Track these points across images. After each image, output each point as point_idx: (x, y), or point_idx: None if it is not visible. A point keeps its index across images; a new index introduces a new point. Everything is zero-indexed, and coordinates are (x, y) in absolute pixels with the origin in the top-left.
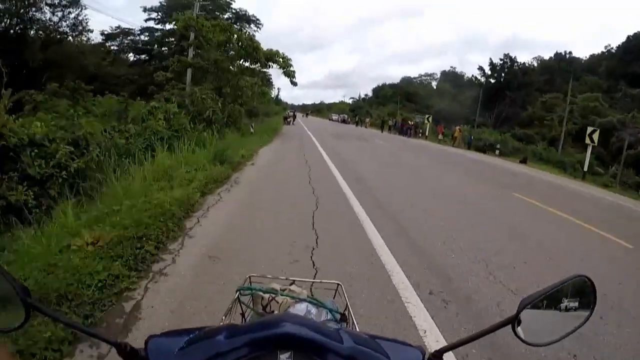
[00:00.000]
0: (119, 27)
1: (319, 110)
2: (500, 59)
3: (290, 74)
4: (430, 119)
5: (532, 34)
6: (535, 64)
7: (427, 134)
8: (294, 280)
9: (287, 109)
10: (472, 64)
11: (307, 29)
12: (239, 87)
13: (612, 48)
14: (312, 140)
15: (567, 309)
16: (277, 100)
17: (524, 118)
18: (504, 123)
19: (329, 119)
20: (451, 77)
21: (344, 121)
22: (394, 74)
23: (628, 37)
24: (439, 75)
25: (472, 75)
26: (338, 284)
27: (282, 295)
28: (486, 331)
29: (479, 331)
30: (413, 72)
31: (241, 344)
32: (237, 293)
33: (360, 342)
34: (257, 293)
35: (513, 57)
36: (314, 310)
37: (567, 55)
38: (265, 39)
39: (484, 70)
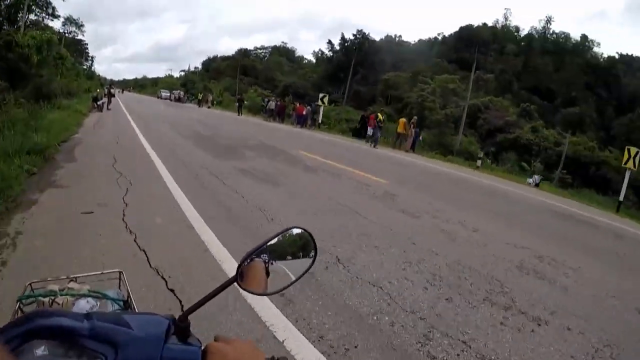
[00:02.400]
0: None
1: (142, 85)
2: (354, 35)
3: None
4: (325, 100)
5: (363, 19)
6: None
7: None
8: (74, 278)
9: (105, 85)
10: (303, 42)
11: None
12: None
13: (444, 35)
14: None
15: (292, 258)
16: (91, 74)
17: (377, 95)
18: (354, 100)
19: (158, 97)
20: (283, 53)
21: (178, 99)
22: (223, 48)
23: (460, 27)
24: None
25: (319, 49)
26: (120, 272)
27: (61, 295)
28: (217, 291)
29: (212, 291)
30: (243, 46)
31: None
32: (18, 303)
33: (103, 319)
34: (38, 299)
35: (367, 33)
36: (96, 303)
37: (397, 39)
38: (88, 2)
39: (332, 45)
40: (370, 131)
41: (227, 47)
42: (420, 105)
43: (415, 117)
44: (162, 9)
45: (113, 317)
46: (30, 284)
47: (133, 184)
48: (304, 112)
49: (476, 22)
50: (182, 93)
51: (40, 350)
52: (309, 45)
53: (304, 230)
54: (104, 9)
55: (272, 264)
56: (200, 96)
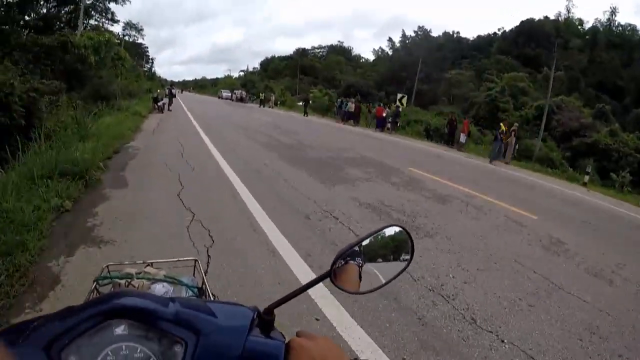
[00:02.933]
0: None
1: (202, 86)
2: (415, 31)
3: None
4: (404, 101)
5: (419, 16)
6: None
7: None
8: (150, 263)
9: (166, 85)
10: (358, 40)
11: (190, 0)
12: None
13: (504, 30)
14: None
15: (386, 259)
16: (151, 75)
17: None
18: (417, 99)
19: (219, 97)
20: (339, 52)
21: (240, 99)
22: (278, 48)
23: (521, 21)
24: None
25: (379, 47)
26: (195, 260)
27: (137, 278)
28: (308, 286)
29: (301, 287)
30: (298, 45)
31: (76, 322)
32: (95, 284)
33: (188, 306)
34: (114, 281)
35: (428, 30)
36: (171, 288)
37: (455, 35)
38: (147, 9)
39: (393, 43)
40: (463, 138)
41: (283, 47)
42: (489, 105)
43: (516, 124)
44: (218, 12)
45: (198, 304)
46: (107, 266)
47: (216, 240)
48: (384, 114)
49: (537, 15)
50: (244, 93)
51: (120, 330)
52: (364, 43)
53: (403, 229)
54: (163, 15)
55: (364, 266)
56: (262, 96)
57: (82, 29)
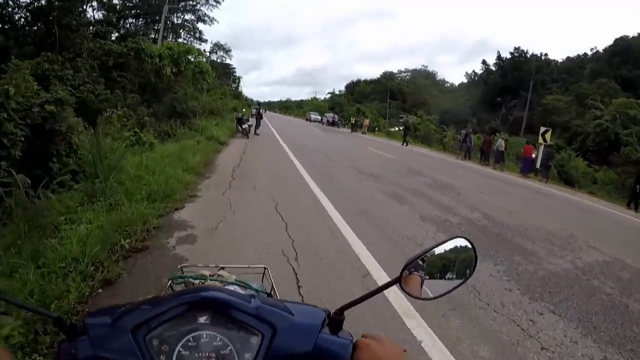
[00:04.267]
0: None
1: (287, 107)
2: (511, 53)
3: None
4: (548, 136)
5: (503, 40)
6: None
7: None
8: (222, 267)
9: (253, 105)
10: (441, 65)
11: (277, 25)
12: None
13: (597, 50)
14: None
15: (449, 269)
16: (237, 94)
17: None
18: (512, 127)
19: (307, 119)
20: (424, 76)
21: (333, 123)
22: (361, 72)
23: (615, 39)
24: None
25: (472, 71)
26: (265, 268)
27: (211, 280)
28: (377, 290)
29: (371, 290)
30: (381, 69)
31: (163, 309)
32: (169, 282)
33: (267, 303)
34: (188, 280)
35: (525, 50)
36: (241, 292)
37: (543, 57)
38: (235, 33)
39: (487, 65)
40: None
41: (366, 71)
42: (599, 136)
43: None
44: (304, 37)
45: (276, 302)
46: (181, 267)
47: None
48: (533, 155)
49: (631, 32)
50: (336, 117)
51: (203, 319)
52: (448, 68)
53: (469, 241)
54: (251, 39)
55: (426, 278)
56: (352, 120)
57: (160, 37)
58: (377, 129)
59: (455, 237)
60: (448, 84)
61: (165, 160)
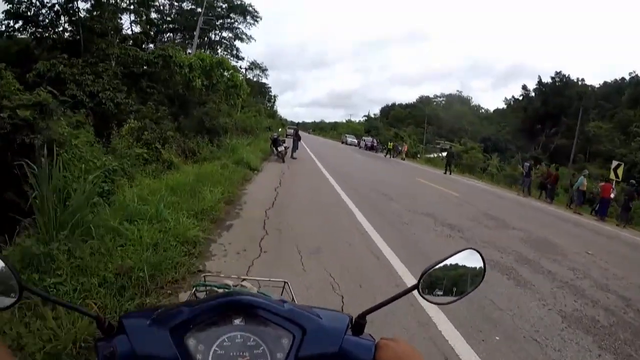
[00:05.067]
0: None
1: (321, 128)
2: (552, 77)
3: None
4: (620, 172)
5: (536, 63)
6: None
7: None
8: (244, 278)
9: (286, 125)
10: (474, 90)
11: (312, 47)
12: None
13: (636, 75)
14: None
15: (461, 276)
16: (272, 113)
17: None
18: (555, 156)
19: (342, 142)
20: (457, 101)
21: (371, 148)
22: (394, 96)
23: None
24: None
25: (512, 96)
26: (285, 282)
27: (234, 289)
28: (397, 296)
29: (392, 296)
30: (413, 94)
31: (201, 311)
32: (194, 289)
33: (297, 307)
34: (212, 289)
35: (567, 75)
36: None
37: (580, 83)
38: (270, 54)
39: (527, 91)
40: None
41: (398, 95)
42: None
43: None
44: (337, 60)
45: (305, 307)
46: (204, 276)
47: None
48: (612, 195)
49: None
50: (375, 141)
51: (238, 321)
52: (482, 93)
53: (478, 252)
54: (286, 60)
55: (440, 285)
56: (390, 145)
57: (194, 48)
58: (418, 155)
59: (466, 249)
60: (483, 110)
61: (167, 198)
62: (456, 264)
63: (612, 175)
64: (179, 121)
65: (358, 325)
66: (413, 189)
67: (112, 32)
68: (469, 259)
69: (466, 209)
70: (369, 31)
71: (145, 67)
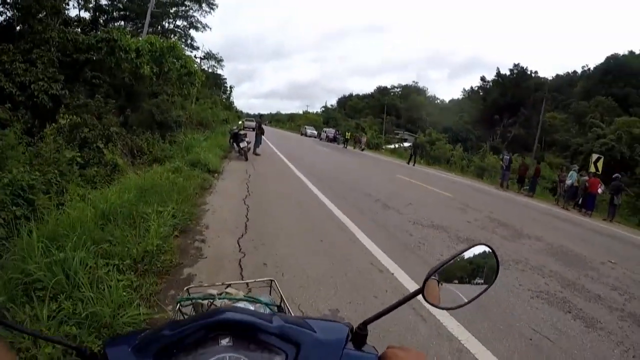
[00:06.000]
0: None
1: (278, 120)
2: (510, 69)
3: None
4: (600, 165)
5: (493, 56)
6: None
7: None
8: (229, 284)
9: (243, 117)
10: (430, 81)
11: (269, 37)
12: None
13: (589, 68)
14: None
15: (471, 278)
16: (229, 105)
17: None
18: (512, 145)
19: (302, 134)
20: (414, 92)
21: (333, 139)
22: (352, 87)
23: (607, 57)
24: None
25: (470, 87)
26: (272, 280)
27: (219, 299)
28: (400, 302)
29: (395, 302)
30: (370, 85)
31: (185, 334)
32: (178, 305)
33: (289, 321)
34: (196, 302)
35: (525, 67)
36: (251, 307)
37: (533, 75)
38: (227, 45)
39: (486, 82)
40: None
41: (357, 86)
42: (604, 155)
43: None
44: (295, 51)
45: (298, 320)
46: (187, 289)
47: None
48: (599, 191)
49: (621, 50)
50: (337, 132)
51: (225, 342)
52: (438, 84)
53: (490, 248)
54: (242, 50)
55: (447, 287)
56: (348, 135)
57: (145, 31)
58: (382, 147)
59: (476, 245)
60: (439, 100)
61: (93, 233)
62: (465, 264)
63: (592, 168)
64: (126, 115)
65: (358, 336)
66: (400, 189)
67: (51, 13)
68: (479, 256)
69: (469, 214)
70: (328, 22)
71: (88, 54)
